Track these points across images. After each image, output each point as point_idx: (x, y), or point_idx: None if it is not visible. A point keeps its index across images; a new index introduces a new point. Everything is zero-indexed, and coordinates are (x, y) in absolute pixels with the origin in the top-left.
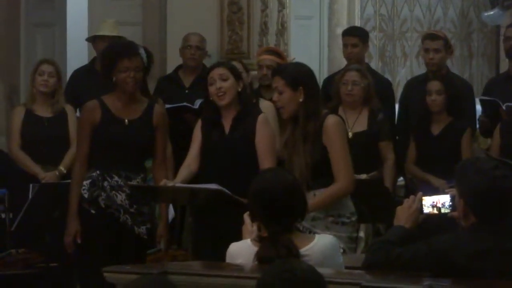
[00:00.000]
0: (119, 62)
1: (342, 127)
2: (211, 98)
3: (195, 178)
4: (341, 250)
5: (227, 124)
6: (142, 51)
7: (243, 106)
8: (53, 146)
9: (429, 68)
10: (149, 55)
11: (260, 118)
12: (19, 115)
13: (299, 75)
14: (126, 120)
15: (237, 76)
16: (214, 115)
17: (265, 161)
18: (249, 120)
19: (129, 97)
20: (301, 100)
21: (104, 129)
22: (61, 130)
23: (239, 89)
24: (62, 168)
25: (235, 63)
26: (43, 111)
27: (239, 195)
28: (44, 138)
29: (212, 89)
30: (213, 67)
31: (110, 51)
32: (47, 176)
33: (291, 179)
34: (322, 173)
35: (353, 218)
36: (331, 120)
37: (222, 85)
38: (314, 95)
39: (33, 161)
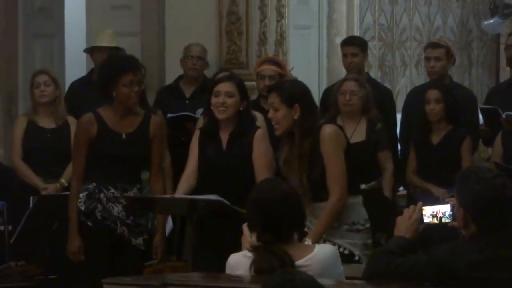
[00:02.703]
0: (122, 76)
1: (337, 136)
2: (211, 108)
3: (194, 192)
4: (356, 258)
5: (224, 138)
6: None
7: (240, 123)
8: (55, 158)
9: (431, 76)
10: (143, 67)
11: (258, 134)
12: (21, 125)
13: (295, 93)
14: (124, 134)
15: (243, 93)
16: (212, 127)
17: (262, 177)
18: (247, 136)
19: (126, 110)
20: (296, 117)
21: (101, 143)
22: (63, 142)
23: (241, 108)
24: (63, 180)
25: None
26: (46, 122)
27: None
28: (46, 150)
29: (215, 101)
30: (222, 79)
31: (113, 66)
32: (48, 188)
33: (286, 189)
34: (325, 184)
35: (367, 225)
36: (326, 131)
37: (226, 101)
38: (310, 113)
39: (34, 173)
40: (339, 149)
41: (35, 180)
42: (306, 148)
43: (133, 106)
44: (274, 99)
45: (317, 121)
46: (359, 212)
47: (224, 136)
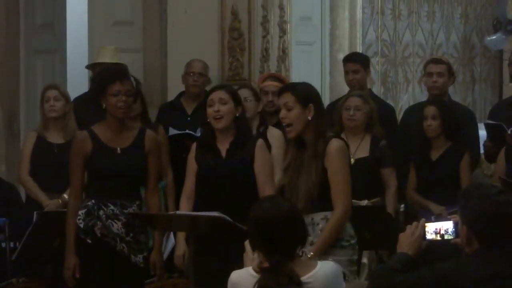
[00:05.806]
0: (110, 86)
1: (345, 151)
2: (208, 120)
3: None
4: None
5: (223, 148)
6: (131, 78)
7: (239, 131)
8: (62, 173)
9: (432, 92)
10: (137, 82)
11: (259, 143)
12: (31, 140)
13: (309, 93)
14: (118, 149)
15: (237, 101)
16: (209, 139)
17: (266, 187)
18: (248, 145)
19: (119, 125)
20: (309, 118)
21: (97, 160)
22: None
23: (237, 114)
24: (66, 196)
25: (245, 90)
26: (54, 137)
27: (239, 219)
28: (52, 165)
29: (210, 111)
30: (214, 89)
31: (101, 76)
32: (51, 204)
33: (288, 208)
34: (320, 195)
35: (352, 241)
36: (334, 144)
37: (220, 108)
38: (322, 115)
39: (40, 189)
40: (346, 164)
41: (40, 195)
42: (319, 151)
43: (123, 116)
44: (288, 98)
45: (327, 125)
46: (344, 228)
47: (223, 146)
